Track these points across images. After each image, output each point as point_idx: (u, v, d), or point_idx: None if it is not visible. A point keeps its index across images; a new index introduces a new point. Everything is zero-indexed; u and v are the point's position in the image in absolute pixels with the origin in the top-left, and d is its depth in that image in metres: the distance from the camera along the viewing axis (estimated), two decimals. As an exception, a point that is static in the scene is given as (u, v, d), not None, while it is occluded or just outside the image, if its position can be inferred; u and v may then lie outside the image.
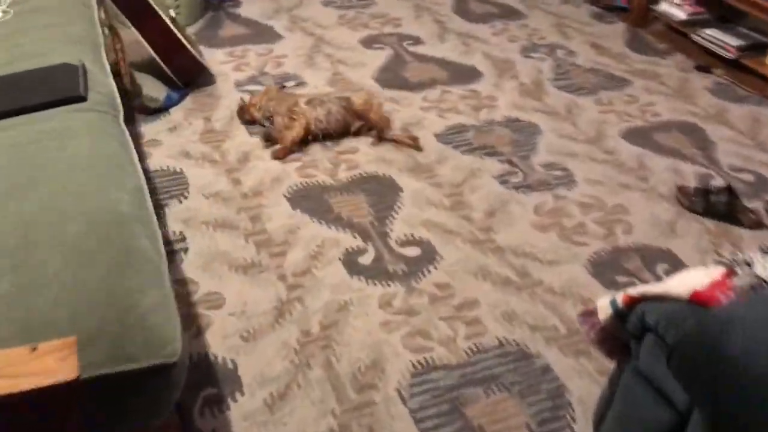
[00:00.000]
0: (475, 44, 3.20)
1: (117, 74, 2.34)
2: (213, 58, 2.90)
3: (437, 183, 2.22)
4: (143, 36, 2.45)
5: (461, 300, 1.77)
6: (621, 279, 1.88)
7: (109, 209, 1.23)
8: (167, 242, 1.88)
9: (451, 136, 2.48)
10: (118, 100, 1.68)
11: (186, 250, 1.86)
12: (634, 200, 2.20)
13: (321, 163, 2.27)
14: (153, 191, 2.07)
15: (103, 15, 2.33)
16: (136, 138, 2.31)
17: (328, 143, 2.38)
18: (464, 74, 2.92)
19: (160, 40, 2.45)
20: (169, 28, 2.43)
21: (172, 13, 2.55)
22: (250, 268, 1.82)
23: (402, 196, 2.15)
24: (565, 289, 1.83)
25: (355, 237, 1.96)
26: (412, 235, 1.98)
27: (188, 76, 2.59)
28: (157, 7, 2.43)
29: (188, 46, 2.46)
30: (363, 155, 2.33)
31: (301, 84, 2.74)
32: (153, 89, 2.55)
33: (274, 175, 2.20)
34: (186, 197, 2.07)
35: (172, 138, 2.34)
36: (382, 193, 2.16)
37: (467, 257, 1.92)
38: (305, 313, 1.69)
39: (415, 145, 2.38)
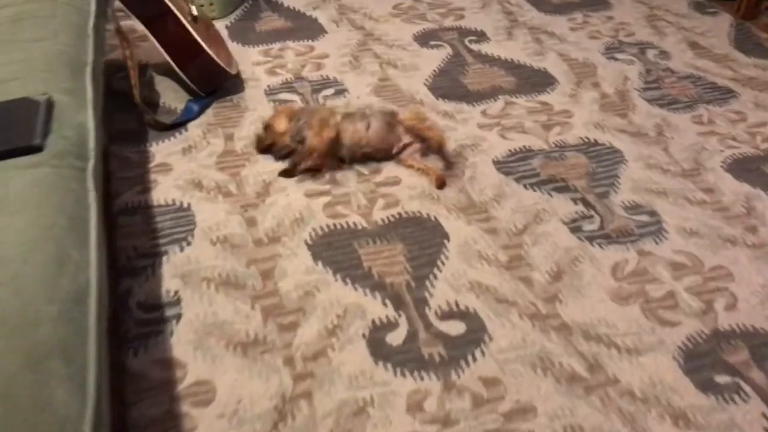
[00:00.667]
0: (549, 41, 2.74)
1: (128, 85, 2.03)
2: (246, 57, 2.55)
3: (492, 229, 1.82)
4: (154, 36, 2.12)
5: (513, 405, 1.39)
6: (722, 379, 1.46)
7: (22, 336, 0.90)
8: (158, 307, 1.56)
9: (514, 164, 2.06)
10: (92, 143, 1.35)
11: (179, 317, 1.54)
12: (740, 261, 1.75)
13: (354, 198, 1.91)
14: (152, 233, 1.75)
15: (110, 13, 2.01)
16: (143, 163, 2.00)
17: (366, 170, 2.01)
18: (534, 80, 2.48)
19: (174, 41, 2.12)
20: (184, 27, 2.09)
21: (194, 10, 2.20)
22: (253, 346, 1.48)
23: (448, 247, 1.76)
24: (648, 392, 1.42)
25: (385, 304, 1.60)
26: (456, 304, 1.60)
27: (210, 85, 2.25)
28: (171, 3, 2.08)
29: (207, 50, 2.11)
30: (406, 189, 1.95)
31: (340, 92, 2.36)
32: (173, 98, 2.23)
33: (297, 213, 1.84)
34: (189, 242, 1.74)
35: (185, 162, 2.01)
36: (424, 240, 1.78)
37: (524, 339, 1.53)
38: (312, 418, 1.35)
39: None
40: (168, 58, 2.14)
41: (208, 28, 2.37)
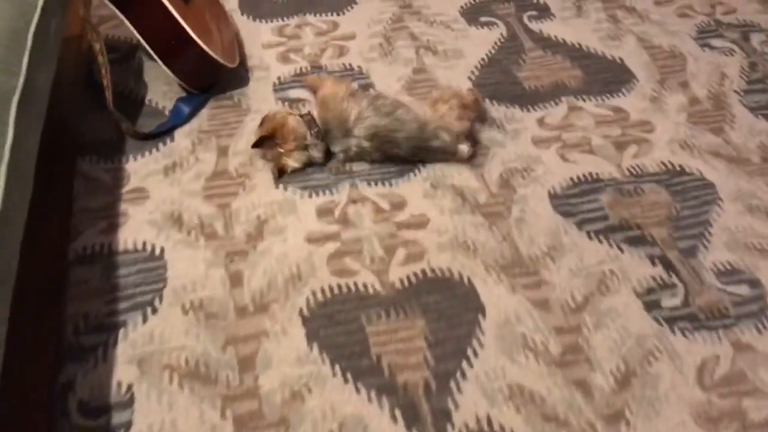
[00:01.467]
0: (627, 20, 2.22)
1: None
2: (255, 36, 2.12)
3: (543, 301, 1.41)
4: (133, 25, 1.71)
5: None
6: None
7: None
8: (104, 410, 1.22)
9: (576, 201, 1.62)
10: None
11: (128, 427, 1.19)
12: None
13: (368, 246, 1.51)
14: (111, 293, 1.40)
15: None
16: (114, 187, 1.63)
17: (385, 204, 1.60)
18: (607, 76, 2.00)
19: (156, 30, 1.71)
20: (169, 13, 1.67)
21: (187, -13, 1.78)
22: (217, 480, 1.13)
23: (483, 326, 1.36)
24: None
25: (395, 418, 1.22)
26: (489, 421, 1.22)
27: (203, 82, 1.85)
28: (153, -19, 1.66)
29: (199, 41, 1.70)
30: (434, 234, 1.55)
31: (364, 88, 1.93)
32: (162, 94, 1.84)
33: (294, 267, 1.46)
34: (156, 309, 1.38)
35: (165, 186, 1.64)
36: (452, 315, 1.39)
37: (576, 485, 1.14)
38: None
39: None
40: (150, 51, 1.73)
41: (211, 4, 1.94)
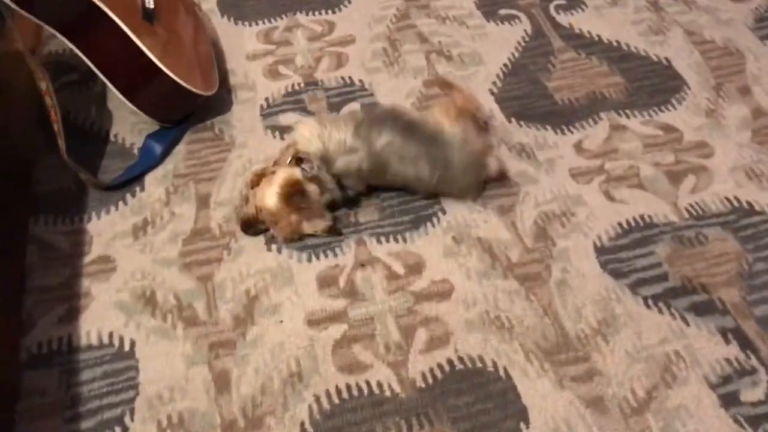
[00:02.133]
0: (671, 8, 1.91)
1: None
2: (238, 45, 1.81)
3: (597, 398, 1.15)
4: (86, 56, 1.41)
5: None
6: None
7: None
8: None
9: (627, 255, 1.36)
10: None
11: None
12: None
13: (382, 327, 1.25)
14: (71, 408, 1.15)
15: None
16: (74, 257, 1.36)
17: (399, 266, 1.33)
18: (652, 84, 1.70)
19: (112, 58, 1.41)
20: (128, 40, 1.38)
21: (151, 2, 1.47)
22: None
23: (526, 437, 1.11)
24: None
25: None
26: None
27: (175, 114, 1.55)
28: (103, 4, 1.35)
29: (164, 69, 1.40)
30: (460, 305, 1.29)
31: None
32: (130, 128, 1.55)
33: (293, 362, 1.21)
34: (127, 428, 1.13)
35: (135, 253, 1.37)
36: (487, 425, 1.13)
37: None
38: None
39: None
40: (110, 85, 1.43)
41: (179, 13, 1.63)
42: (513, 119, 1.62)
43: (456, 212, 1.43)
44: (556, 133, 1.59)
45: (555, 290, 1.30)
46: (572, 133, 1.59)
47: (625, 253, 1.36)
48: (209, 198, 1.46)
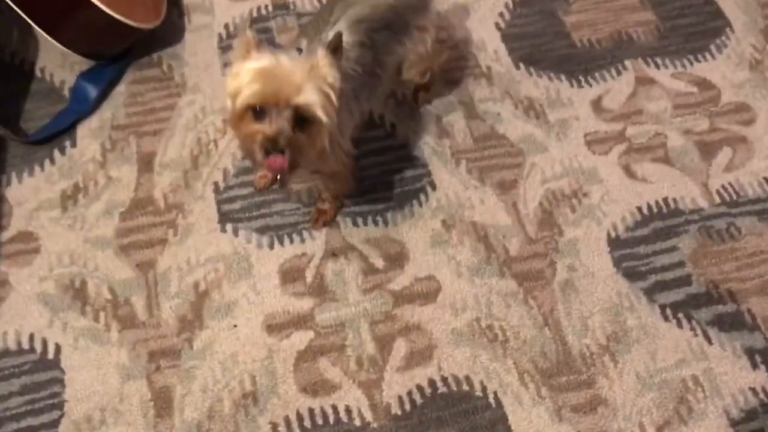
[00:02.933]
0: None
1: None
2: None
3: (600, 436, 0.99)
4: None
5: None
6: None
7: None
8: None
9: (646, 250, 1.16)
10: None
11: None
12: None
13: (354, 338, 1.07)
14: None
15: None
16: (-16, 240, 1.13)
17: (378, 260, 1.13)
18: (690, 21, 1.44)
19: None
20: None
21: None
22: None
23: (516, 483, 0.96)
24: None
25: None
26: None
27: (108, 50, 1.28)
28: None
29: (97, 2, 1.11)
30: (447, 310, 1.10)
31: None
32: (61, 64, 1.28)
33: (249, 378, 1.03)
34: (48, 459, 0.96)
35: (62, 229, 1.15)
36: (474, 463, 0.97)
37: None
38: None
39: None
40: (26, 18, 1.15)
41: None
42: (521, 65, 1.36)
43: (448, 187, 1.21)
44: (572, 85, 1.34)
45: (559, 294, 1.11)
46: (591, 86, 1.34)
47: (643, 248, 1.16)
48: (153, 158, 1.22)
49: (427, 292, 1.11)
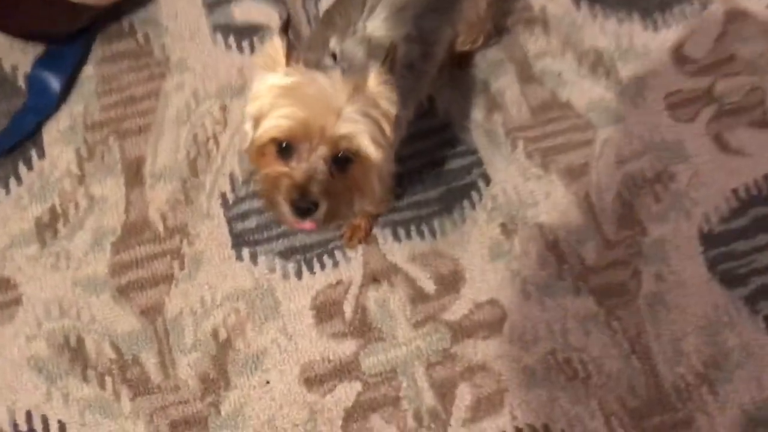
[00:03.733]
0: None
1: None
2: None
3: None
4: None
5: None
6: None
7: None
8: None
9: (744, 247, 0.98)
10: None
11: None
12: None
13: (410, 384, 0.92)
14: None
15: None
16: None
17: (430, 283, 0.95)
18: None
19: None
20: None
21: None
22: None
23: None
24: None
25: None
26: None
27: (61, 30, 1.00)
28: None
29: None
30: (517, 343, 0.93)
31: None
32: (20, 51, 1.03)
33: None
34: None
35: (44, 271, 0.95)
36: None
37: None
38: None
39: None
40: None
41: None
42: (583, 3, 1.09)
43: (505, 179, 1.00)
44: (646, 27, 1.08)
45: (646, 311, 0.93)
46: (669, 26, 1.08)
47: (742, 244, 0.97)
48: (142, 166, 0.99)
49: (490, 322, 0.93)
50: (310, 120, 0.64)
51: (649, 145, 1.01)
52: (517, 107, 1.03)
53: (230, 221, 0.97)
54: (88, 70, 1.04)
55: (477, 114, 1.03)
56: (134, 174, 0.99)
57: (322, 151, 0.65)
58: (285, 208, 0.68)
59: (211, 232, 0.96)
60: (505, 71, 1.05)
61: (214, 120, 1.01)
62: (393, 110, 0.67)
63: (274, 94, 0.66)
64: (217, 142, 1.00)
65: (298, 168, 0.66)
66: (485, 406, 0.89)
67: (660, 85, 1.05)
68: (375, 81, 0.65)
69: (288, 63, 0.65)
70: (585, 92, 1.04)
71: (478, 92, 1.04)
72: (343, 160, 0.67)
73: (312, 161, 0.66)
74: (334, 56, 0.70)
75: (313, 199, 0.66)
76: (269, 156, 0.68)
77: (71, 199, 0.97)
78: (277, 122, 0.65)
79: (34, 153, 1.00)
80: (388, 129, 0.67)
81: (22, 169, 0.99)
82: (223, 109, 1.02)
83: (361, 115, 0.65)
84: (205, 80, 1.03)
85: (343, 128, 0.64)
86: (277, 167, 0.68)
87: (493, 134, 1.02)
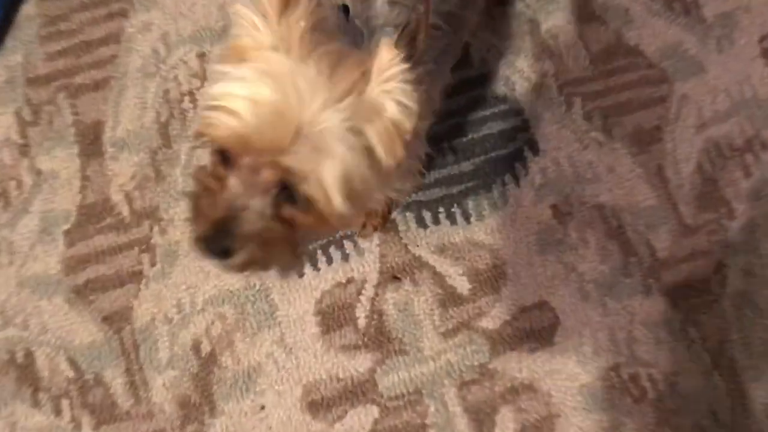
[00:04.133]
0: None
1: None
2: None
3: None
4: None
5: None
6: None
7: None
8: None
9: None
10: None
11: None
12: None
13: (441, 413, 0.75)
14: None
15: None
16: None
17: (464, 283, 0.76)
18: None
19: None
20: None
21: None
22: None
23: None
24: None
25: None
26: None
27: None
28: None
29: None
30: (572, 357, 0.75)
31: None
32: None
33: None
34: None
35: (-18, 271, 0.76)
36: None
37: None
38: None
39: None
40: None
41: None
42: None
43: (558, 147, 0.79)
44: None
45: (732, 315, 0.76)
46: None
47: None
48: (101, 132, 0.79)
49: (539, 330, 0.75)
50: (254, 133, 0.43)
51: (738, 103, 0.81)
52: (573, 54, 0.82)
53: (212, 203, 0.77)
54: (28, 9, 0.83)
55: (522, 63, 0.82)
56: (91, 142, 0.79)
57: (266, 176, 0.45)
58: (194, 241, 0.48)
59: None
60: (558, 7, 0.84)
61: (189, 72, 0.81)
62: (407, 121, 0.45)
63: (230, 73, 0.45)
64: (194, 100, 0.80)
65: (227, 191, 0.46)
66: (532, 438, 0.72)
67: (753, 25, 0.83)
68: (383, 68, 0.44)
69: (280, 16, 0.44)
70: (658, 34, 0.83)
71: (523, 35, 0.83)
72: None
73: (243, 191, 0.45)
74: (345, 10, 0.48)
75: (227, 246, 0.46)
76: (213, 161, 0.48)
77: (12, 176, 0.78)
78: (211, 121, 0.44)
79: (-36, 116, 0.79)
80: (394, 147, 0.46)
81: (-50, 136, 0.79)
82: (201, 57, 0.81)
83: (336, 139, 0.43)
84: (177, 20, 0.82)
85: (296, 161, 0.43)
86: (215, 171, 0.48)
87: (542, 88, 0.81)
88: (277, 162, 0.43)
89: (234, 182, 0.45)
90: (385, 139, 0.44)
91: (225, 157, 0.46)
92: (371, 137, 0.45)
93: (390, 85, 0.43)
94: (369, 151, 0.45)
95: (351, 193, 0.45)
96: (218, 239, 0.45)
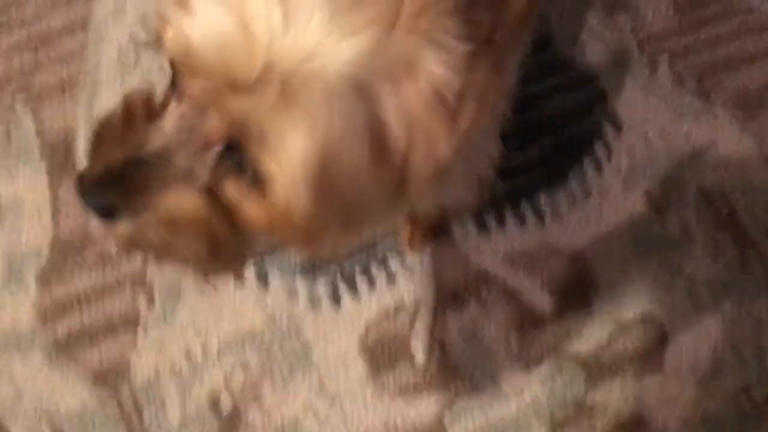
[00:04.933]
0: None
1: None
2: None
3: None
4: None
5: None
6: None
7: None
8: None
9: None
10: None
11: None
12: None
13: None
14: None
15: None
16: None
17: (545, 294, 0.60)
18: None
19: None
20: None
21: None
22: None
23: None
24: None
25: None
26: None
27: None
28: None
29: None
30: (693, 381, 0.59)
31: None
32: None
33: None
34: None
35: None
36: None
37: None
38: None
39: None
40: None
41: None
42: None
43: (644, 120, 0.64)
44: None
45: None
46: None
47: None
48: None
49: (643, 350, 0.59)
50: (201, 45, 0.28)
51: None
52: (653, 3, 0.66)
53: (220, 221, 0.61)
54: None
55: (592, 19, 0.66)
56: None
57: (211, 123, 0.29)
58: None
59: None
60: (628, -55, 0.67)
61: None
62: (455, 78, 0.28)
63: None
64: (186, 95, 0.63)
65: (149, 126, 0.30)
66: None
67: None
68: None
69: None
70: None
71: (590, -19, 0.67)
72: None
73: (173, 133, 0.30)
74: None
75: (109, 201, 0.30)
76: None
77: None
78: (167, 14, 0.28)
79: None
80: (431, 130, 0.28)
81: None
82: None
83: (325, 92, 0.27)
84: (155, -3, 0.66)
85: (253, 108, 0.27)
86: (152, 98, 0.32)
87: (619, 49, 0.65)
88: (227, 104, 0.27)
89: (167, 118, 0.29)
90: (412, 115, 0.28)
91: (175, 81, 0.30)
92: (386, 108, 0.28)
93: (435, 22, 0.27)
94: (377, 131, 0.28)
95: (326, 189, 0.28)
96: (103, 188, 0.30)
